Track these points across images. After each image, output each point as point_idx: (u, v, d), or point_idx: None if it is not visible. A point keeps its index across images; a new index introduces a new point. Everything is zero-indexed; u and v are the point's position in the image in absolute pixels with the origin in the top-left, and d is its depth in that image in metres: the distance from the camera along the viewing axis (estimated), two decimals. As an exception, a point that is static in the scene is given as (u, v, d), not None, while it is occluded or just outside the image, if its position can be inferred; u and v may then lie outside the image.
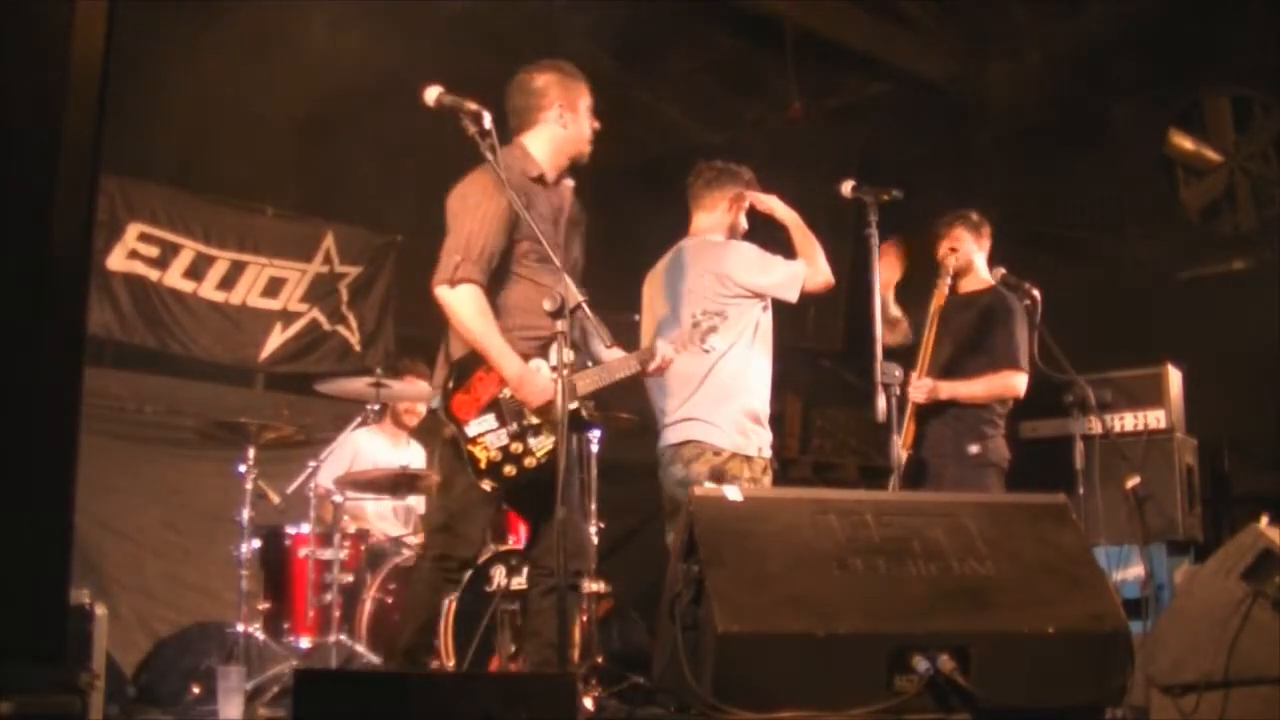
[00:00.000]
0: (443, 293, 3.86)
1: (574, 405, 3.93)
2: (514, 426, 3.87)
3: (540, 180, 4.03)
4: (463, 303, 3.83)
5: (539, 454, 3.90)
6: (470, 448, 3.82)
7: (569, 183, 4.10)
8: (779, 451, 9.64)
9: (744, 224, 5.26)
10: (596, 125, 4.19)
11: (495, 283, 3.91)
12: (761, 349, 4.99)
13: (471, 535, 3.92)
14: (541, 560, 4.02)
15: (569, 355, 3.97)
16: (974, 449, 5.27)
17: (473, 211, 3.86)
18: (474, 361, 3.86)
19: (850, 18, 7.91)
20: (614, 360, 3.95)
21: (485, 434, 3.84)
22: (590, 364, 4.05)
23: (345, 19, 6.74)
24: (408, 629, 3.95)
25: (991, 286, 5.52)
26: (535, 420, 3.90)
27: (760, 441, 4.97)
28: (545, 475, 3.94)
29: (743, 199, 5.20)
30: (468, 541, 3.91)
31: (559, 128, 4.06)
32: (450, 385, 3.85)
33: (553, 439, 3.90)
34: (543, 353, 3.93)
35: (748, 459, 4.89)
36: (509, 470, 3.86)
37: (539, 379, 3.89)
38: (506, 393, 3.87)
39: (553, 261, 3.94)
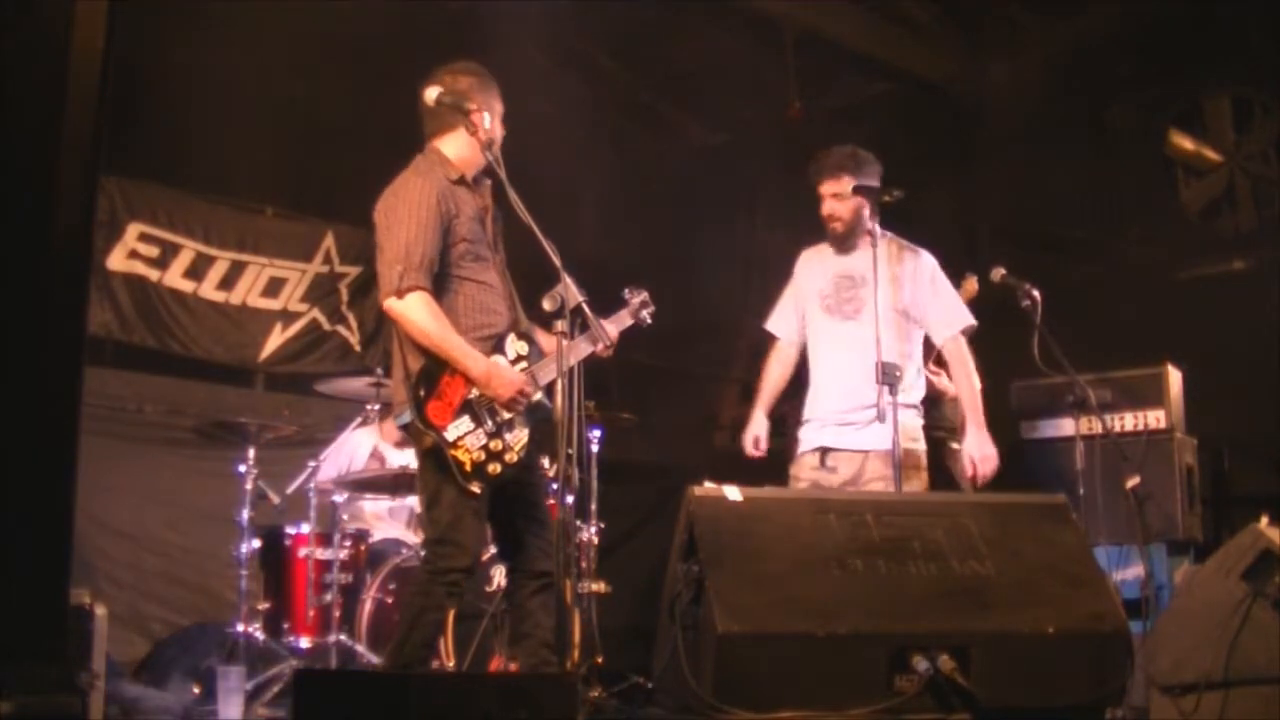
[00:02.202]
0: (393, 305, 3.84)
1: (538, 396, 3.96)
2: (489, 424, 3.88)
3: (461, 182, 4.03)
4: (415, 310, 3.82)
5: (517, 448, 3.92)
6: (453, 453, 3.80)
7: (488, 182, 4.08)
8: (781, 451, 9.68)
9: (838, 213, 5.07)
10: (503, 134, 4.14)
11: (436, 289, 3.89)
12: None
13: (468, 544, 3.88)
14: (527, 565, 4.01)
15: (524, 347, 4.00)
16: (955, 445, 5.53)
17: (405, 220, 3.85)
18: (437, 367, 3.84)
19: (850, 18, 7.91)
20: (567, 346, 3.92)
21: (464, 436, 3.83)
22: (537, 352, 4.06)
23: (347, 18, 6.74)
24: (411, 643, 3.86)
25: None
26: (507, 415, 3.91)
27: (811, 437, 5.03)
28: (522, 474, 3.96)
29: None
30: (465, 551, 3.87)
31: (484, 133, 3.98)
32: (421, 394, 3.82)
33: (527, 431, 3.94)
34: (498, 349, 3.96)
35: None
36: (493, 469, 3.86)
37: (508, 372, 3.92)
38: (474, 392, 3.87)
39: (489, 260, 3.98)
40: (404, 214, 3.87)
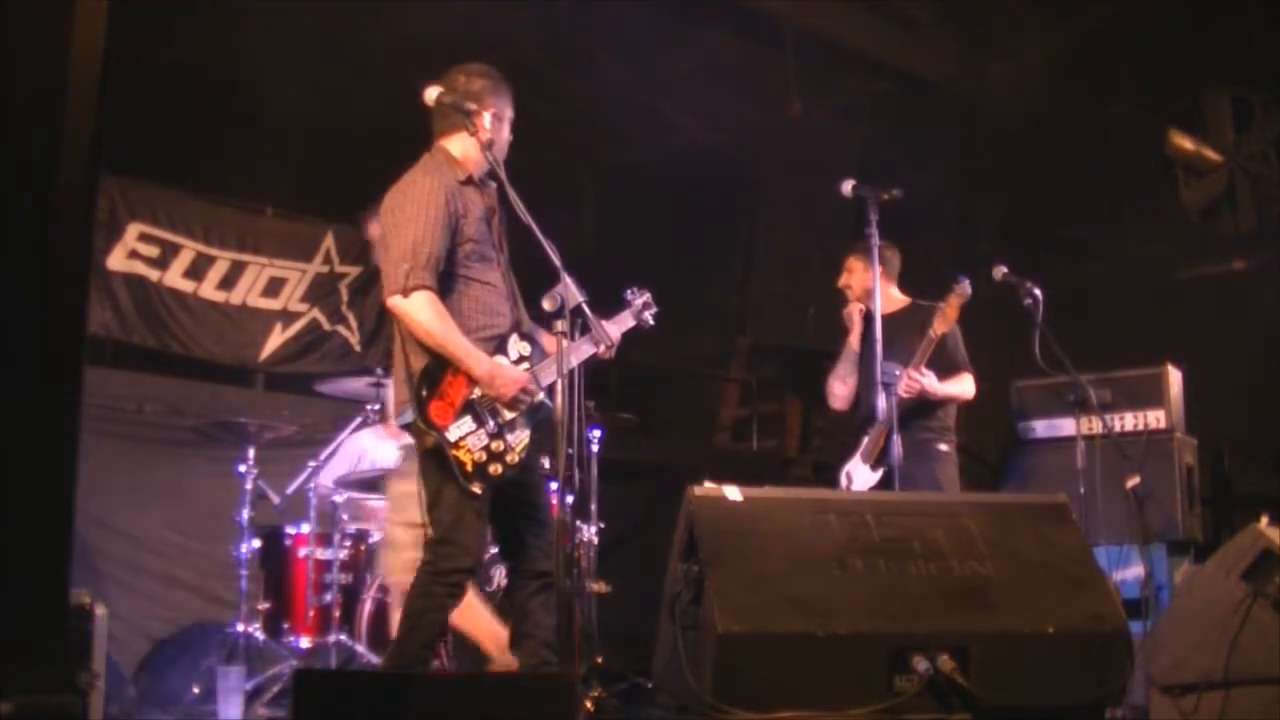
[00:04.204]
0: (397, 303, 3.83)
1: (540, 397, 3.96)
2: (491, 425, 3.87)
3: (469, 182, 4.02)
4: (420, 309, 3.80)
5: (518, 449, 3.91)
6: (455, 453, 3.79)
7: (494, 184, 4.08)
8: (781, 451, 9.70)
9: None
10: (510, 138, 4.15)
11: (441, 289, 3.88)
12: None
13: (471, 545, 3.88)
14: (528, 565, 4.01)
15: (526, 348, 3.99)
16: (943, 447, 5.47)
17: (414, 218, 3.84)
18: (440, 366, 3.83)
19: (850, 18, 7.92)
20: (567, 346, 3.91)
21: (466, 436, 3.82)
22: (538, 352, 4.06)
23: (346, 19, 6.74)
24: (413, 643, 3.86)
25: (911, 302, 5.62)
26: (509, 416, 3.90)
27: None
28: (523, 474, 3.96)
29: None
30: (467, 551, 3.87)
31: (484, 134, 3.98)
32: (424, 393, 3.80)
33: (528, 432, 3.94)
34: (501, 349, 3.96)
35: None
36: (494, 469, 3.85)
37: (510, 371, 3.91)
38: (476, 392, 3.86)
39: (494, 260, 3.98)
40: (412, 212, 3.85)
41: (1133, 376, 6.32)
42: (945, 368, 5.43)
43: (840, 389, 5.69)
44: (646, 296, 4.37)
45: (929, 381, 5.29)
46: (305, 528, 5.62)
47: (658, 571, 3.98)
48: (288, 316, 7.38)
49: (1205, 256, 7.69)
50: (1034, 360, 5.49)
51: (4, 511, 2.15)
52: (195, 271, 7.07)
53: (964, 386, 5.52)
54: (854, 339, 5.64)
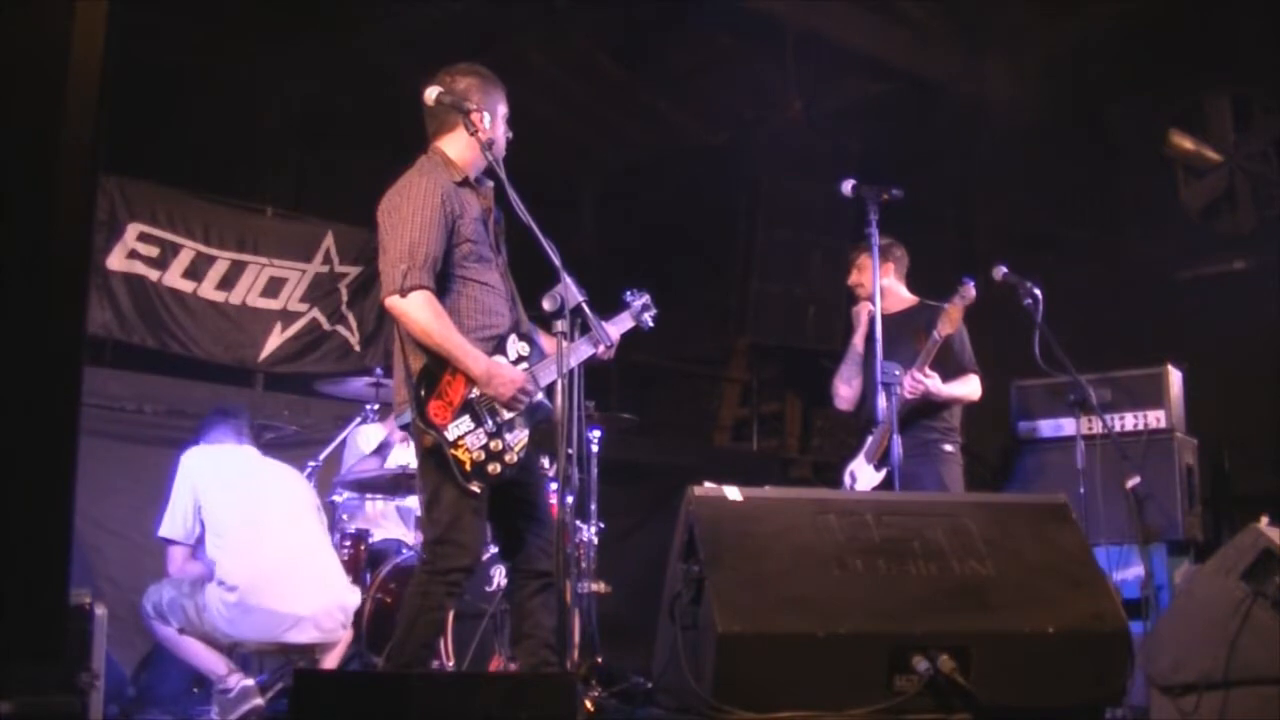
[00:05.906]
0: (395, 303, 3.83)
1: (538, 396, 3.96)
2: (489, 424, 3.87)
3: (465, 183, 4.03)
4: (418, 309, 3.81)
5: (516, 449, 3.92)
6: (454, 452, 3.79)
7: (490, 184, 4.08)
8: (781, 451, 9.69)
9: None
10: (510, 136, 4.15)
11: (439, 289, 3.88)
12: None
13: (469, 544, 3.88)
14: (528, 565, 4.02)
15: (524, 348, 4.00)
16: (948, 447, 5.47)
17: (410, 219, 3.85)
18: (438, 366, 3.84)
19: (850, 18, 7.92)
20: (567, 346, 3.91)
21: (465, 436, 3.83)
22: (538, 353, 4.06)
23: (346, 19, 6.75)
24: (411, 643, 3.85)
25: (919, 302, 5.62)
26: (507, 415, 3.91)
27: None
28: (522, 474, 3.97)
29: None
30: (465, 550, 3.87)
31: (485, 133, 3.98)
32: (422, 393, 3.81)
33: (527, 432, 3.94)
34: (499, 350, 3.96)
35: None
36: (493, 469, 3.85)
37: (509, 370, 3.91)
38: (475, 392, 3.86)
39: (491, 261, 3.99)
40: (408, 213, 3.86)
41: (1133, 376, 6.31)
42: (951, 369, 5.43)
43: (845, 390, 5.68)
44: (646, 298, 4.37)
45: (933, 383, 5.29)
46: (305, 528, 5.60)
47: (658, 571, 3.98)
48: (287, 316, 7.39)
49: (1205, 256, 7.69)
50: (1034, 360, 5.49)
51: (4, 511, 2.15)
52: (195, 271, 7.07)
53: (969, 388, 5.51)
54: (859, 339, 5.64)
